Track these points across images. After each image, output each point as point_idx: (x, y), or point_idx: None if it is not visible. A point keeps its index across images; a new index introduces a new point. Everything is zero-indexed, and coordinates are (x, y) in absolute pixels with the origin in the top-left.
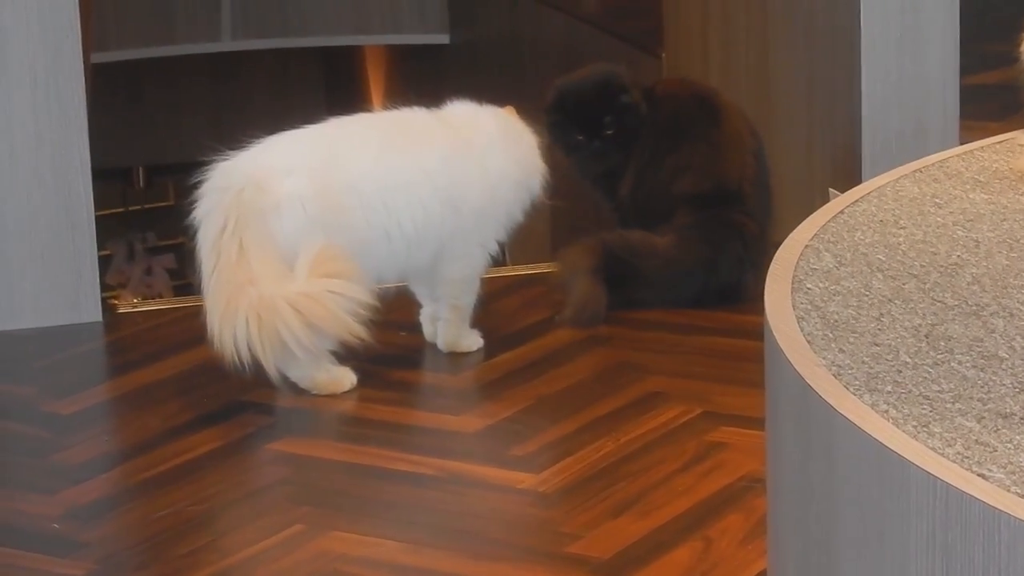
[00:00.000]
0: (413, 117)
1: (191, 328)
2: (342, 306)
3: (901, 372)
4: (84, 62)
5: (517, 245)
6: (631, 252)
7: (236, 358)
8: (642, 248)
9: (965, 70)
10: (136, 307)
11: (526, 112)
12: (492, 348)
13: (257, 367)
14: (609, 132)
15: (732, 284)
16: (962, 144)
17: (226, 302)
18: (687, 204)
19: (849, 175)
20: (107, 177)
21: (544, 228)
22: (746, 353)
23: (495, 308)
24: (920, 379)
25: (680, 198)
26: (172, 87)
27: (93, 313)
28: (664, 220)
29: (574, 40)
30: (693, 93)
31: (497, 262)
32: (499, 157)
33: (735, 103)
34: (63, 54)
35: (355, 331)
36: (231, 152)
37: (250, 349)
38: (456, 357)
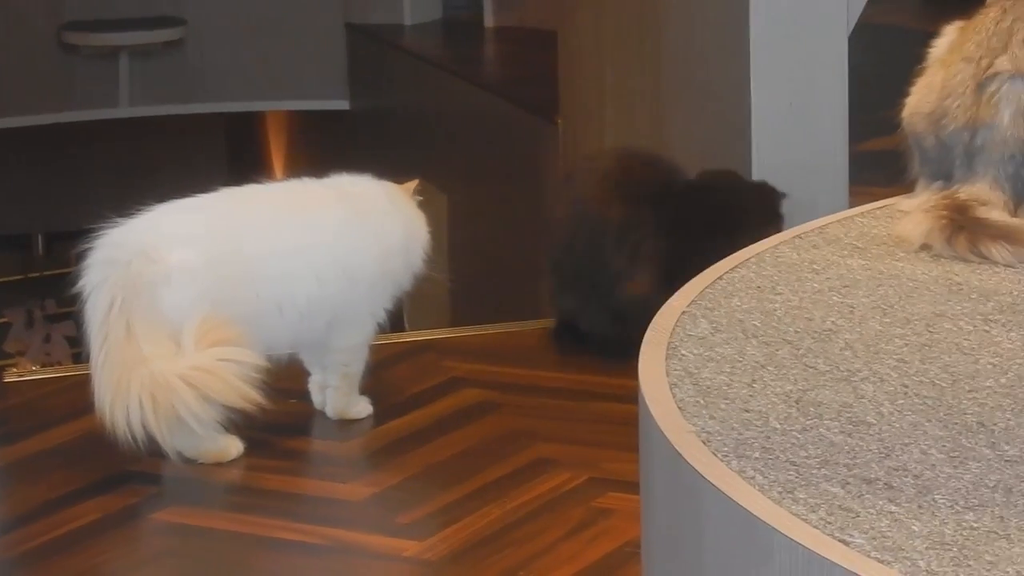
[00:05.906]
0: (305, 187)
1: (79, 397)
2: (235, 373)
3: (770, 438)
4: None
5: (417, 312)
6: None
7: (130, 437)
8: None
9: (858, 137)
10: (23, 376)
11: (429, 179)
12: (381, 415)
13: (150, 442)
14: None
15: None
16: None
17: (116, 382)
18: None
19: None
20: (6, 244)
21: (442, 296)
22: (636, 419)
23: (384, 375)
24: (788, 445)
25: None
26: (73, 153)
27: None
28: None
29: (473, 106)
30: None
31: (394, 328)
32: (390, 227)
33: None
34: None
35: (250, 397)
36: (121, 220)
37: (145, 428)
38: (345, 424)
